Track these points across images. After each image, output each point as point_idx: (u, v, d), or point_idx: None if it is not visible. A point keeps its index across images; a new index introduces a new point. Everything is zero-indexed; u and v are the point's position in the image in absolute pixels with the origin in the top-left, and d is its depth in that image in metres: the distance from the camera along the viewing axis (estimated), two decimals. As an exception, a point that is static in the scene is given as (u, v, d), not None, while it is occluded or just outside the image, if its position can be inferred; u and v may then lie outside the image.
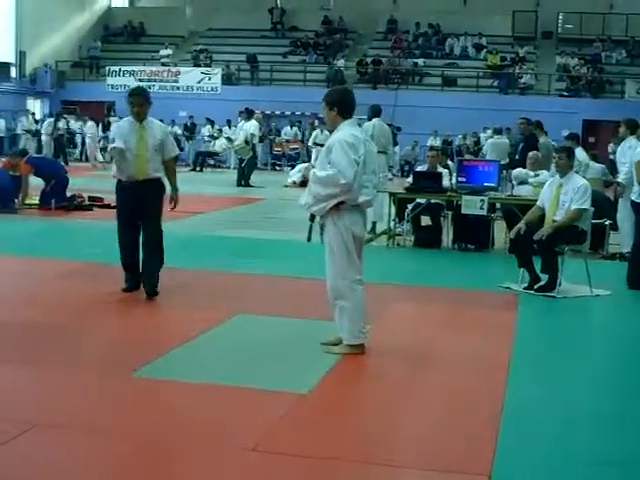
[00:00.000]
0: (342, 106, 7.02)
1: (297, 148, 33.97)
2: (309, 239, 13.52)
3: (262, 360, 6.93)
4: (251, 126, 24.39)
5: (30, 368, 6.49)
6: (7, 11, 38.23)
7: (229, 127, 33.49)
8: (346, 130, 6.93)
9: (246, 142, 24.19)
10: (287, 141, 34.24)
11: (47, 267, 10.61)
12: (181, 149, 34.74)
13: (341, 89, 7.80)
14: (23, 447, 4.93)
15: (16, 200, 16.30)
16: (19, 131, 34.78)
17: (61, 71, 40.09)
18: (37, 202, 16.41)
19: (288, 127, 34.76)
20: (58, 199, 16.37)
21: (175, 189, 9.30)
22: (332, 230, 6.97)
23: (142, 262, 9.11)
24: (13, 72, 37.72)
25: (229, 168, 30.30)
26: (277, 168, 32.97)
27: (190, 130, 35.27)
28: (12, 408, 5.59)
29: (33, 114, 36.43)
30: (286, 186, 24.75)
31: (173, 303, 8.91)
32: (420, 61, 38.85)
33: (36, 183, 16.74)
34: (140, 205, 8.90)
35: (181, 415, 5.65)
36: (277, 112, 34.64)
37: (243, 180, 24.20)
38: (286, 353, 7.09)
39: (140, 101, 8.95)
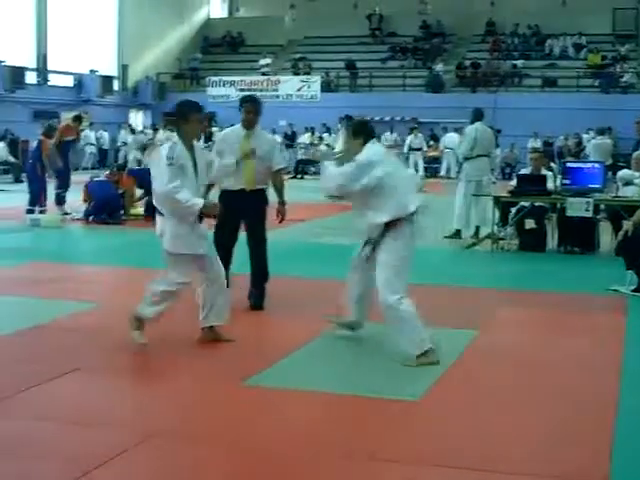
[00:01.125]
0: (367, 135, 7.31)
1: (397, 153, 33.90)
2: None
3: (370, 368, 6.94)
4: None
5: (142, 378, 6.62)
6: (109, 26, 39.08)
7: (329, 134, 33.64)
8: (370, 150, 7.19)
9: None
10: (387, 147, 34.21)
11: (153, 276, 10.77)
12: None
13: (364, 121, 8.56)
14: (140, 456, 5.04)
15: (122, 211, 16.64)
16: (119, 143, 35.55)
17: (162, 83, 40.77)
18: (142, 212, 16.68)
19: (388, 132, 34.74)
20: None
21: (282, 201, 9.21)
22: (393, 245, 6.97)
23: (251, 274, 9.15)
24: (116, 85, 38.47)
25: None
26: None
27: (290, 138, 35.49)
28: (128, 418, 5.70)
29: (130, 125, 37.14)
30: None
31: (278, 311, 8.96)
32: (519, 62, 38.43)
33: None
34: (243, 215, 8.90)
35: (294, 423, 5.68)
36: (377, 118, 34.60)
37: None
38: (393, 360, 7.08)
39: (252, 108, 8.91)
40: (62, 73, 35.96)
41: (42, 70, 35.04)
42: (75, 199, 17.42)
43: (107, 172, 18.27)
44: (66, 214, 17.12)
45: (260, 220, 9.01)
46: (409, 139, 33.10)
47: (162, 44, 42.64)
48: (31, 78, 33.86)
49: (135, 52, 40.07)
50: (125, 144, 34.65)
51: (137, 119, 39.95)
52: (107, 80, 37.32)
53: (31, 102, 32.82)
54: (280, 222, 9.24)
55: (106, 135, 35.56)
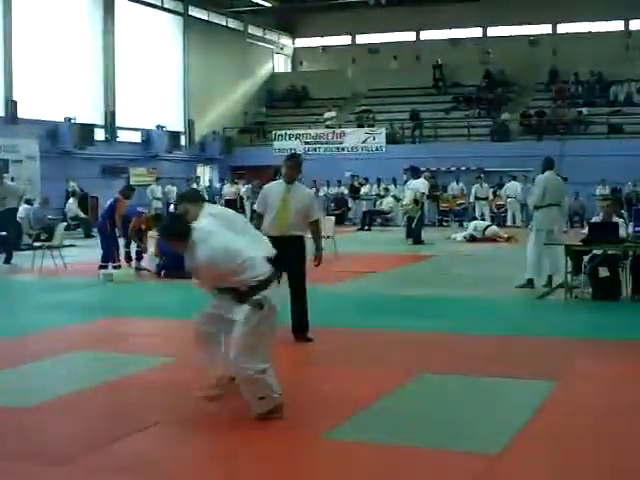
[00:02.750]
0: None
1: (464, 203, 33.85)
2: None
3: (449, 420, 6.88)
4: (420, 185, 24.26)
5: (221, 432, 6.58)
6: (175, 83, 39.74)
7: (395, 185, 33.70)
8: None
9: (415, 201, 24.04)
10: (453, 197, 34.16)
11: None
12: (348, 208, 35.13)
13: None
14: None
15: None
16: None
17: (228, 137, 41.23)
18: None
19: (454, 183, 34.70)
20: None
21: (318, 248, 10.11)
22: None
23: (291, 309, 9.90)
24: (183, 140, 38.98)
25: (397, 226, 30.36)
26: (444, 224, 32.88)
27: (356, 190, 35.61)
28: (208, 472, 5.68)
29: (197, 178, 37.52)
30: (454, 241, 24.67)
31: (351, 362, 8.96)
32: (584, 110, 38.23)
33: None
34: (281, 259, 9.21)
35: (375, 478, 5.64)
36: (442, 168, 34.62)
37: (413, 238, 24.04)
38: (473, 413, 7.02)
39: (292, 165, 9.98)
40: (130, 129, 36.56)
41: (110, 127, 35.64)
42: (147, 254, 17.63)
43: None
44: (141, 269, 17.30)
45: (297, 266, 9.85)
46: (475, 188, 32.98)
47: (227, 99, 43.21)
48: (100, 135, 34.44)
49: (201, 107, 40.63)
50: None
51: (204, 173, 40.39)
52: (174, 135, 37.83)
53: (100, 158, 33.37)
54: (316, 266, 10.12)
55: (174, 190, 36.01)
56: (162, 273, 16.53)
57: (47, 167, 29.81)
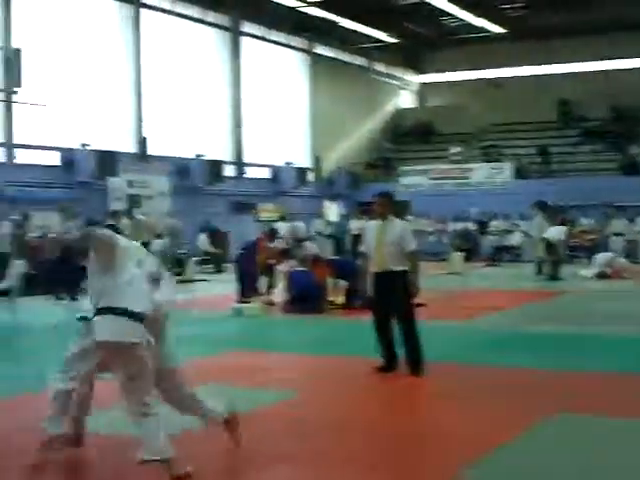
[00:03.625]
0: None
1: (594, 238, 33.18)
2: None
3: (594, 467, 6.57)
4: (558, 233, 24.00)
5: (349, 468, 6.53)
6: (302, 120, 40.20)
7: (523, 220, 33.27)
8: None
9: (549, 245, 23.66)
10: (583, 232, 33.50)
11: (356, 364, 10.84)
12: (475, 244, 34.80)
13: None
14: None
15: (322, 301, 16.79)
16: (313, 233, 36.01)
17: (355, 173, 41.37)
18: (342, 302, 16.78)
19: (583, 218, 34.07)
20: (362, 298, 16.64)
21: (412, 283, 10.07)
22: None
23: (404, 346, 10.12)
24: (310, 176, 39.30)
25: (526, 261, 29.89)
26: (575, 260, 32.24)
27: (483, 225, 35.30)
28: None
29: (324, 216, 37.70)
30: (586, 278, 24.18)
31: (483, 399, 8.81)
32: None
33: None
34: (386, 294, 10.04)
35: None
36: (571, 203, 34.02)
37: (552, 274, 23.59)
38: (621, 459, 6.72)
39: (382, 202, 10.23)
40: (258, 166, 37.09)
41: (239, 163, 36.23)
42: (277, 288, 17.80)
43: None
44: (270, 304, 17.47)
45: (401, 300, 10.07)
46: (611, 223, 32.42)
47: (353, 135, 43.47)
48: (229, 171, 35.03)
49: (327, 143, 40.95)
50: (319, 234, 35.16)
51: (331, 209, 40.57)
52: (301, 172, 38.18)
53: (229, 194, 33.89)
54: (410, 298, 10.13)
55: (302, 225, 36.22)
56: (290, 307, 16.64)
57: (178, 203, 30.43)
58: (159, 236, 24.56)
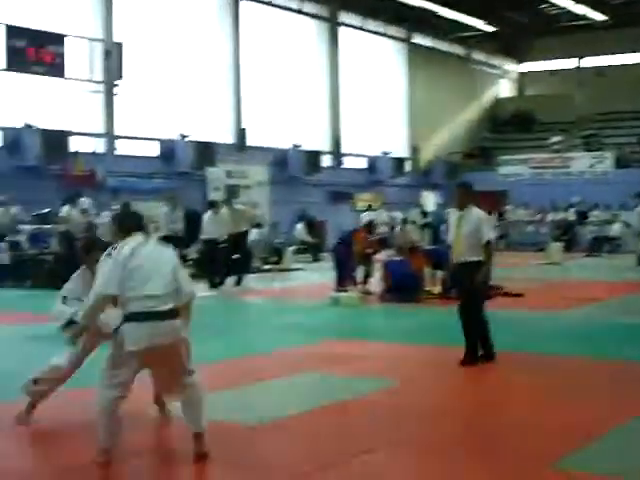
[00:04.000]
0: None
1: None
2: None
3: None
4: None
5: (443, 457, 6.52)
6: (400, 110, 40.10)
7: (624, 210, 32.67)
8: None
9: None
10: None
11: (453, 354, 10.79)
12: (574, 234, 34.27)
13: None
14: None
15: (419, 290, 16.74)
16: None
17: (452, 162, 41.11)
18: (439, 292, 16.72)
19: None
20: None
21: (480, 272, 9.93)
22: None
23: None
24: (407, 166, 39.17)
25: (626, 253, 29.38)
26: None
27: (582, 215, 34.77)
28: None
29: (422, 207, 37.49)
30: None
31: (577, 392, 8.69)
32: None
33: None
34: (463, 284, 10.15)
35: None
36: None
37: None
38: None
39: (461, 192, 10.28)
40: (355, 156, 37.12)
41: (336, 153, 36.31)
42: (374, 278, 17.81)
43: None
44: (367, 293, 17.49)
45: (472, 291, 9.98)
46: None
47: (451, 124, 43.22)
48: (326, 161, 35.14)
49: (425, 133, 40.79)
50: (414, 223, 34.97)
51: (428, 199, 40.38)
52: (399, 161, 38.09)
53: (326, 184, 33.99)
54: (471, 284, 9.90)
55: (399, 215, 36.12)
56: (387, 297, 16.64)
57: (276, 192, 30.65)
58: (258, 225, 24.80)
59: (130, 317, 6.06)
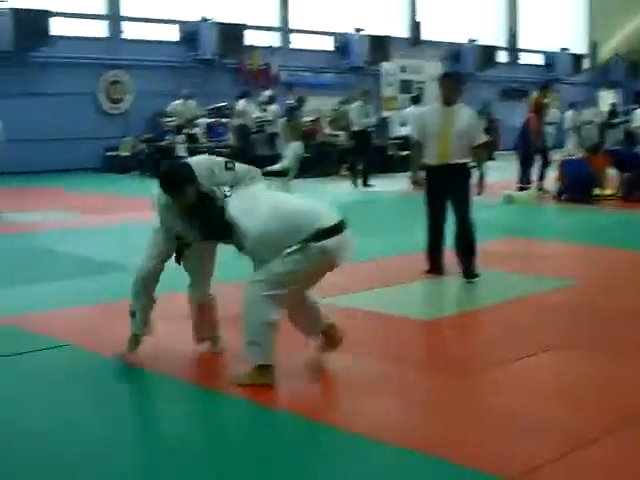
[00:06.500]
0: None
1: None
2: None
3: None
4: None
5: (621, 356, 6.36)
6: (579, 4, 38.60)
7: None
8: None
9: None
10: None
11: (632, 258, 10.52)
12: None
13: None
14: (628, 438, 4.86)
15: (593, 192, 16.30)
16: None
17: (634, 61, 39.51)
18: (613, 193, 16.25)
19: None
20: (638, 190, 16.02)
21: (482, 176, 9.40)
22: None
23: (455, 235, 9.13)
24: (585, 64, 37.90)
25: None
26: None
27: None
28: (612, 399, 5.52)
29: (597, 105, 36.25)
30: None
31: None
32: None
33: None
34: (446, 190, 9.07)
35: None
36: None
37: None
38: None
39: (448, 84, 9.07)
40: (532, 52, 36.13)
41: (512, 49, 35.43)
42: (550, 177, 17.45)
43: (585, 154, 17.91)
44: (543, 190, 17.16)
45: (462, 196, 9.06)
46: None
47: (634, 21, 41.39)
48: (501, 57, 34.36)
49: (606, 29, 39.19)
50: (589, 123, 33.92)
51: (606, 98, 39.04)
52: (576, 58, 36.89)
53: (500, 81, 33.29)
54: (478, 194, 9.39)
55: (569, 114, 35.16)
56: (563, 196, 16.28)
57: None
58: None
59: None
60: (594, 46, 38.69)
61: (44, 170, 21.61)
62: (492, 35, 33.88)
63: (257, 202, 5.60)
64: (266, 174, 6.81)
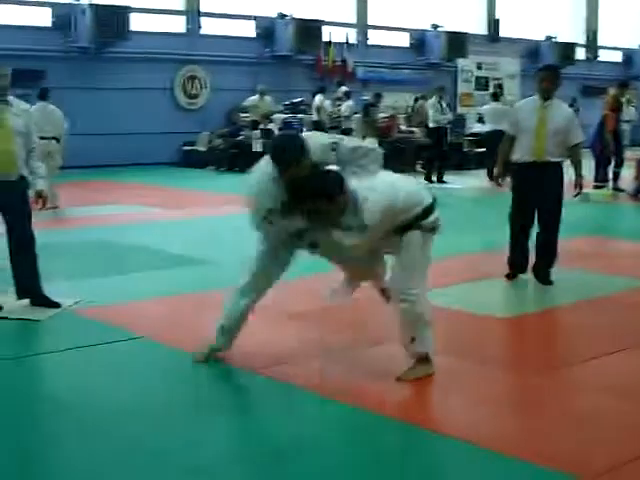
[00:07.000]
0: None
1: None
2: None
3: None
4: None
5: None
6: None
7: None
8: None
9: None
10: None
11: None
12: None
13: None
14: None
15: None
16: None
17: None
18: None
19: None
20: None
21: (578, 175, 8.82)
22: None
23: (537, 240, 8.86)
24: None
25: None
26: None
27: None
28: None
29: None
30: None
31: None
32: None
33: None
34: (537, 189, 8.62)
35: None
36: None
37: None
38: None
39: (548, 77, 8.68)
40: (610, 49, 35.62)
41: (592, 46, 34.97)
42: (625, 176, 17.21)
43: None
44: (619, 190, 16.93)
45: (552, 195, 8.64)
46: None
47: None
48: (580, 54, 33.94)
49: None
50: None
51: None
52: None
53: (580, 78, 32.87)
54: (575, 196, 9.02)
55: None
56: (639, 195, 16.05)
57: (526, 86, 29.92)
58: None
59: None
60: None
61: (122, 164, 21.86)
62: (570, 32, 33.46)
63: (374, 179, 5.56)
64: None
